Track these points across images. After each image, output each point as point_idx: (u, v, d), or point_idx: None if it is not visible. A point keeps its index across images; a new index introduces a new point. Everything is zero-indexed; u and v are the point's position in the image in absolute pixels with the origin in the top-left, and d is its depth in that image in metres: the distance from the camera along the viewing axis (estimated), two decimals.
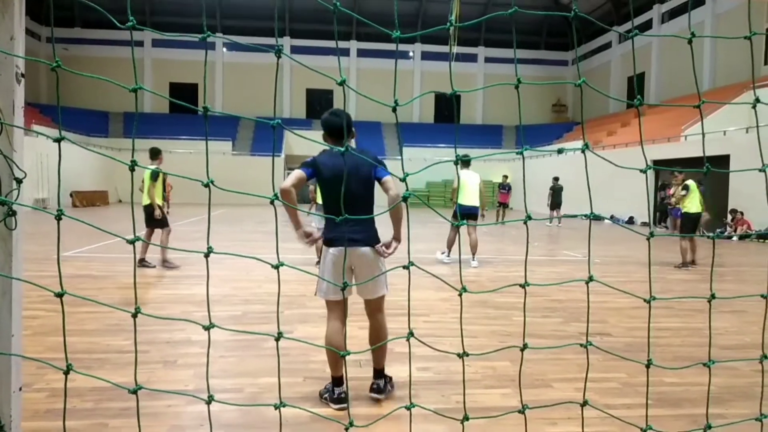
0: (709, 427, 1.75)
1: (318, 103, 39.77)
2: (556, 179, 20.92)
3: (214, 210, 9.76)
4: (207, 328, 1.44)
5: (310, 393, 3.63)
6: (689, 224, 10.37)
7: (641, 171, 1.60)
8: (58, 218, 1.32)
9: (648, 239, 1.69)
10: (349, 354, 1.65)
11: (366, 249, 3.42)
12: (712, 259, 1.81)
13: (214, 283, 7.57)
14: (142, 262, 8.64)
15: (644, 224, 20.73)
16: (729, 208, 17.21)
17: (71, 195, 25.22)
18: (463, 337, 4.72)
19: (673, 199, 17.70)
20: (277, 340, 1.49)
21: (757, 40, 23.52)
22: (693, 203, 10.31)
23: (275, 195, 1.58)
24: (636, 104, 1.70)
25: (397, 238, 3.45)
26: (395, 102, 1.44)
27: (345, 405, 3.35)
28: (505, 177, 22.09)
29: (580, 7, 37.14)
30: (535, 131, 37.88)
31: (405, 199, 1.58)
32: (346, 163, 3.31)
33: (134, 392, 1.39)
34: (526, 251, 1.78)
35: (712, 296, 1.77)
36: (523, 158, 1.50)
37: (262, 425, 3.14)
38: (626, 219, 22.07)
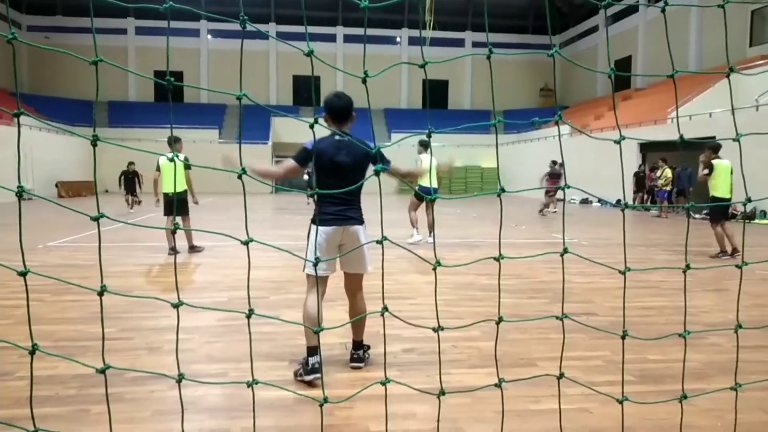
0: (685, 397, 1.76)
1: (305, 89, 39.53)
2: (554, 163, 18.51)
3: (204, 198, 9.69)
4: (176, 306, 1.42)
5: (321, 377, 3.64)
6: (717, 211, 8.98)
7: (615, 142, 1.59)
8: (19, 195, 1.29)
9: (622, 210, 1.68)
10: (322, 330, 1.64)
11: (358, 226, 3.64)
12: (686, 235, 1.81)
13: (203, 270, 7.54)
14: (194, 249, 8.85)
15: (647, 207, 20.86)
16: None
17: (56, 185, 24.98)
18: (450, 318, 4.71)
19: (660, 182, 17.95)
20: (248, 317, 1.47)
21: (742, 22, 23.59)
22: (720, 186, 8.79)
23: (242, 169, 1.55)
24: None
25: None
26: (365, 73, 1.42)
27: (318, 375, 3.42)
28: (554, 162, 18.32)
29: None
30: (522, 116, 37.87)
31: (377, 173, 1.56)
32: (345, 149, 3.54)
33: (102, 371, 1.37)
34: (500, 223, 1.76)
35: (687, 267, 1.78)
36: (496, 133, 1.48)
37: (246, 408, 3.13)
38: (614, 201, 22.17)
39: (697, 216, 17.42)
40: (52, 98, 33.49)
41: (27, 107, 29.48)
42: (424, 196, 1.83)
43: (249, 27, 1.42)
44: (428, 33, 36.93)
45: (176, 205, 8.71)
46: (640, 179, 20.68)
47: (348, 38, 39.51)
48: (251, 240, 1.48)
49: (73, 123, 31.03)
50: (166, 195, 8.76)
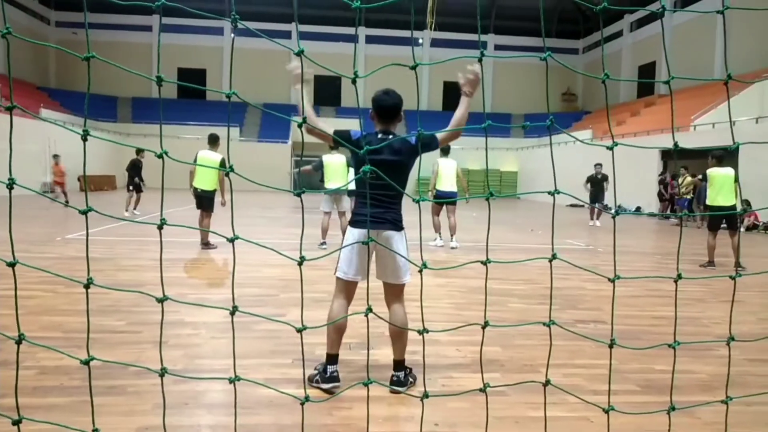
0: (673, 408, 1.73)
1: (325, 90, 39.66)
2: (598, 166, 15.96)
3: (219, 196, 9.78)
4: (160, 301, 1.43)
5: (298, 375, 3.64)
6: (710, 220, 9.02)
7: (608, 148, 1.57)
8: (10, 187, 1.31)
9: (613, 218, 1.66)
10: (305, 329, 1.64)
11: (391, 232, 3.36)
12: (679, 241, 1.79)
13: (212, 267, 7.60)
14: (208, 245, 8.99)
15: (651, 214, 20.60)
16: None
17: (78, 179, 25.35)
18: (457, 322, 4.70)
19: (681, 190, 17.69)
20: (232, 314, 1.48)
21: (766, 30, 23.17)
22: (714, 196, 8.67)
23: (229, 168, 1.55)
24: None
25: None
26: (355, 74, 1.42)
27: (337, 384, 3.34)
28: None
29: None
30: (544, 120, 37.48)
31: (365, 173, 1.56)
32: (388, 149, 3.33)
33: (86, 363, 1.39)
34: (488, 230, 1.75)
35: (679, 276, 1.75)
36: (486, 135, 1.47)
37: (246, 405, 3.15)
38: (633, 209, 21.92)
39: None
40: (78, 93, 34.03)
41: (52, 102, 30.06)
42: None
43: (240, 26, 1.43)
44: (429, 34, 36.86)
45: (204, 201, 8.92)
46: (665, 187, 20.34)
47: (370, 39, 39.57)
48: (237, 237, 1.49)
49: (97, 118, 31.50)
50: (195, 190, 8.89)
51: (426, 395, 1.65)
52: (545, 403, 1.96)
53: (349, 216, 3.46)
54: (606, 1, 1.45)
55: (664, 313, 5.62)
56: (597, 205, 14.95)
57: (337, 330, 3.41)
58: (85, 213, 1.34)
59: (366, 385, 1.57)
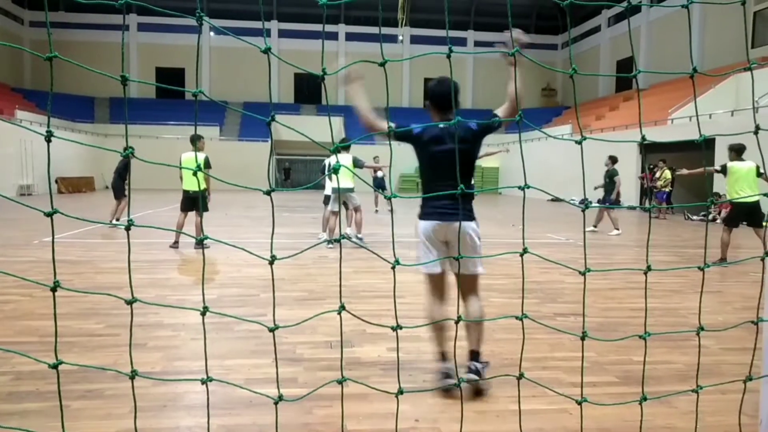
0: (645, 398, 1.75)
1: (306, 87, 39.53)
2: (611, 160, 13.27)
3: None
4: (129, 303, 1.41)
5: (279, 375, 3.62)
6: (728, 215, 8.83)
7: (576, 142, 1.58)
8: None
9: (583, 211, 1.67)
10: (277, 328, 1.63)
11: (464, 223, 3.26)
12: (648, 233, 1.80)
13: (193, 267, 7.54)
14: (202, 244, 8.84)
15: (630, 207, 20.79)
16: (713, 192, 17.30)
17: (56, 181, 24.99)
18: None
19: (659, 183, 17.91)
20: (203, 314, 1.47)
21: (744, 24, 23.52)
22: (731, 190, 8.37)
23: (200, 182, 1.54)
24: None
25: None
26: (323, 71, 1.41)
27: (451, 381, 3.22)
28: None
29: None
30: (524, 115, 37.73)
31: (336, 170, 1.55)
32: (449, 138, 3.24)
33: (54, 367, 1.37)
34: (459, 226, 1.75)
35: (648, 268, 1.77)
36: (456, 133, 1.47)
37: (225, 406, 3.13)
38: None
39: (694, 218, 17.39)
40: (54, 94, 33.45)
41: (27, 103, 29.57)
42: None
43: (205, 24, 1.41)
44: (408, 31, 36.86)
45: (191, 202, 8.87)
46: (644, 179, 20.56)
47: (350, 36, 39.49)
48: (206, 237, 1.47)
49: (74, 119, 31.05)
50: (185, 192, 8.87)
51: (401, 391, 1.65)
52: (519, 397, 1.97)
53: (362, 212, 3.36)
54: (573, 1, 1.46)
55: (643, 304, 5.67)
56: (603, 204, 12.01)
57: (438, 328, 3.37)
58: (50, 215, 1.31)
59: (340, 383, 1.56)
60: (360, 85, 3.41)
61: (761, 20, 22.90)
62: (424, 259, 3.38)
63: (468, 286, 3.40)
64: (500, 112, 3.20)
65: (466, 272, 3.34)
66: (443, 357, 3.37)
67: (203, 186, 8.89)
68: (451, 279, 3.44)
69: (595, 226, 12.79)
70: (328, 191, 9.93)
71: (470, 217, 3.32)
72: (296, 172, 36.58)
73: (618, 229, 12.41)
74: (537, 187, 1.53)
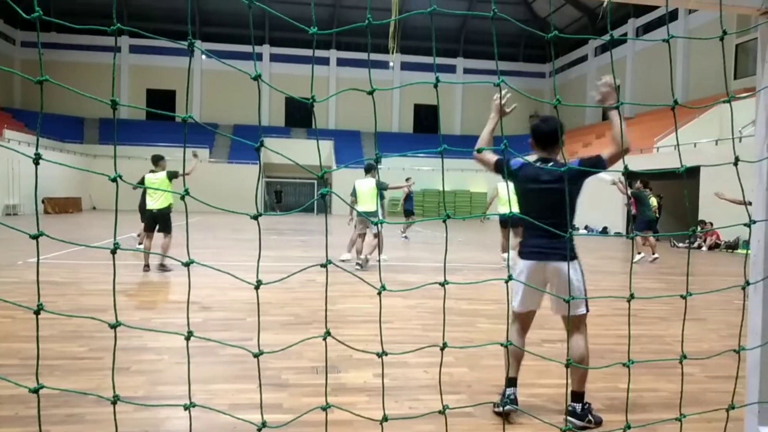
0: (628, 427, 1.75)
1: (297, 111, 39.73)
2: (642, 183, 13.14)
3: (191, 217, 9.74)
4: (113, 326, 1.41)
5: (265, 400, 3.58)
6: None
7: (562, 171, 1.61)
8: None
9: (566, 240, 1.69)
10: (262, 354, 1.62)
11: (561, 264, 3.15)
12: (630, 262, 1.82)
13: (178, 290, 7.48)
14: (163, 267, 8.91)
15: (617, 234, 20.95)
16: (699, 219, 17.49)
17: (43, 201, 24.81)
18: (424, 343, 4.69)
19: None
20: (187, 339, 1.46)
21: (727, 56, 24.04)
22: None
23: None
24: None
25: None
26: (312, 98, 1.43)
27: (513, 407, 3.20)
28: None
29: (556, 21, 37.74)
30: (511, 141, 37.93)
31: (323, 195, 1.57)
32: (547, 176, 3.23)
33: (35, 391, 1.35)
34: (445, 248, 1.77)
35: (631, 296, 1.79)
36: (443, 159, 1.50)
37: (209, 431, 3.08)
38: (600, 229, 22.31)
39: (680, 245, 17.55)
40: (44, 114, 33.39)
41: (16, 122, 29.46)
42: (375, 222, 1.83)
43: (197, 50, 1.43)
44: (398, 57, 37.29)
45: (160, 221, 8.86)
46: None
47: (341, 62, 39.89)
48: (192, 261, 1.48)
49: (63, 139, 30.95)
50: (149, 212, 8.86)
51: (386, 418, 1.64)
52: (504, 424, 1.96)
53: (382, 237, 3.37)
54: (562, 27, 1.50)
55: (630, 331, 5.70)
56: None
57: (513, 355, 3.38)
58: (36, 237, 1.31)
59: (324, 409, 1.55)
60: (497, 118, 3.50)
61: (743, 52, 23.43)
62: (518, 298, 3.38)
63: (570, 326, 3.20)
64: (605, 154, 3.17)
65: (568, 313, 3.22)
66: (513, 382, 3.35)
67: (168, 203, 8.91)
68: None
69: (639, 253, 12.51)
70: (362, 209, 10.10)
71: (570, 256, 3.12)
72: (288, 195, 36.59)
73: (651, 254, 12.34)
74: (518, 214, 1.55)
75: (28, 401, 3.39)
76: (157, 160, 9.09)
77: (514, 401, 3.30)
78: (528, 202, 3.35)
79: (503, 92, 3.33)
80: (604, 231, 21.94)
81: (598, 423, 3.26)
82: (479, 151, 3.11)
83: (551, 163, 3.31)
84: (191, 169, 8.96)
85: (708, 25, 25.29)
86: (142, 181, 9.00)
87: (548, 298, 3.32)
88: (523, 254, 3.34)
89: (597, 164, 3.18)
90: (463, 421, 3.24)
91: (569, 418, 3.22)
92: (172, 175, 8.89)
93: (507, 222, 10.26)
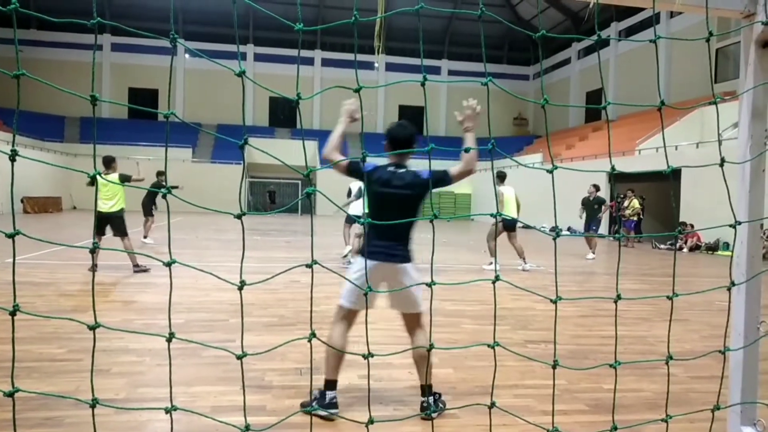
0: (615, 428, 1.75)
1: (281, 111, 39.58)
2: (592, 188, 14.16)
3: (172, 217, 9.57)
4: (92, 328, 1.37)
5: (247, 402, 3.54)
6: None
7: (548, 171, 1.60)
8: None
9: (554, 239, 1.68)
10: (245, 355, 1.59)
11: (401, 265, 3.35)
12: (617, 262, 1.82)
13: (160, 291, 7.38)
14: (138, 267, 8.79)
15: (601, 236, 21.07)
16: (680, 221, 17.70)
17: (22, 201, 24.42)
18: (407, 345, 4.67)
19: (627, 212, 18.27)
20: (169, 340, 1.43)
21: (707, 59, 24.35)
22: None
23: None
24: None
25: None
26: (298, 95, 1.41)
27: (336, 411, 3.23)
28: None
29: (539, 24, 38.02)
30: (497, 143, 38.32)
31: (308, 195, 1.54)
32: (399, 181, 3.33)
33: (10, 395, 1.31)
34: (432, 248, 1.75)
35: (618, 297, 1.78)
36: (430, 159, 1.48)
37: None
38: (582, 230, 22.45)
39: (662, 246, 17.74)
40: (22, 112, 32.92)
41: None
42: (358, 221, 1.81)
43: (180, 45, 1.40)
44: (384, 58, 37.34)
45: (115, 223, 8.76)
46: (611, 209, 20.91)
47: (326, 62, 39.79)
48: (173, 261, 1.44)
49: (44, 138, 30.51)
50: (99, 213, 8.70)
51: (371, 421, 1.62)
52: (490, 425, 1.95)
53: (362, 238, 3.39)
54: (546, 30, 1.49)
55: (612, 332, 5.73)
56: (590, 232, 13.03)
57: (336, 356, 3.35)
58: (12, 236, 1.27)
59: (308, 413, 1.52)
60: (348, 123, 3.46)
61: (723, 57, 23.76)
62: (350, 293, 3.42)
63: (411, 323, 3.50)
64: (453, 170, 3.33)
65: (409, 311, 3.46)
66: (333, 385, 3.35)
67: (120, 206, 8.81)
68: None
69: (593, 253, 13.40)
70: (351, 212, 10.13)
71: (408, 259, 3.39)
72: (281, 196, 36.43)
73: (593, 254, 13.27)
74: (507, 215, 1.53)
75: (4, 404, 3.31)
76: (110, 162, 8.93)
77: (336, 405, 3.28)
78: (376, 204, 3.42)
79: (472, 102, 3.36)
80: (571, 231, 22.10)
81: (444, 405, 3.39)
82: (335, 163, 3.18)
83: (403, 169, 3.41)
84: (144, 177, 9.05)
85: (689, 29, 25.61)
86: (93, 182, 8.84)
87: (383, 297, 3.48)
88: (366, 253, 3.34)
89: (443, 177, 3.36)
90: (448, 422, 3.23)
91: (425, 413, 3.23)
92: (124, 179, 8.79)
93: (511, 226, 10.65)
